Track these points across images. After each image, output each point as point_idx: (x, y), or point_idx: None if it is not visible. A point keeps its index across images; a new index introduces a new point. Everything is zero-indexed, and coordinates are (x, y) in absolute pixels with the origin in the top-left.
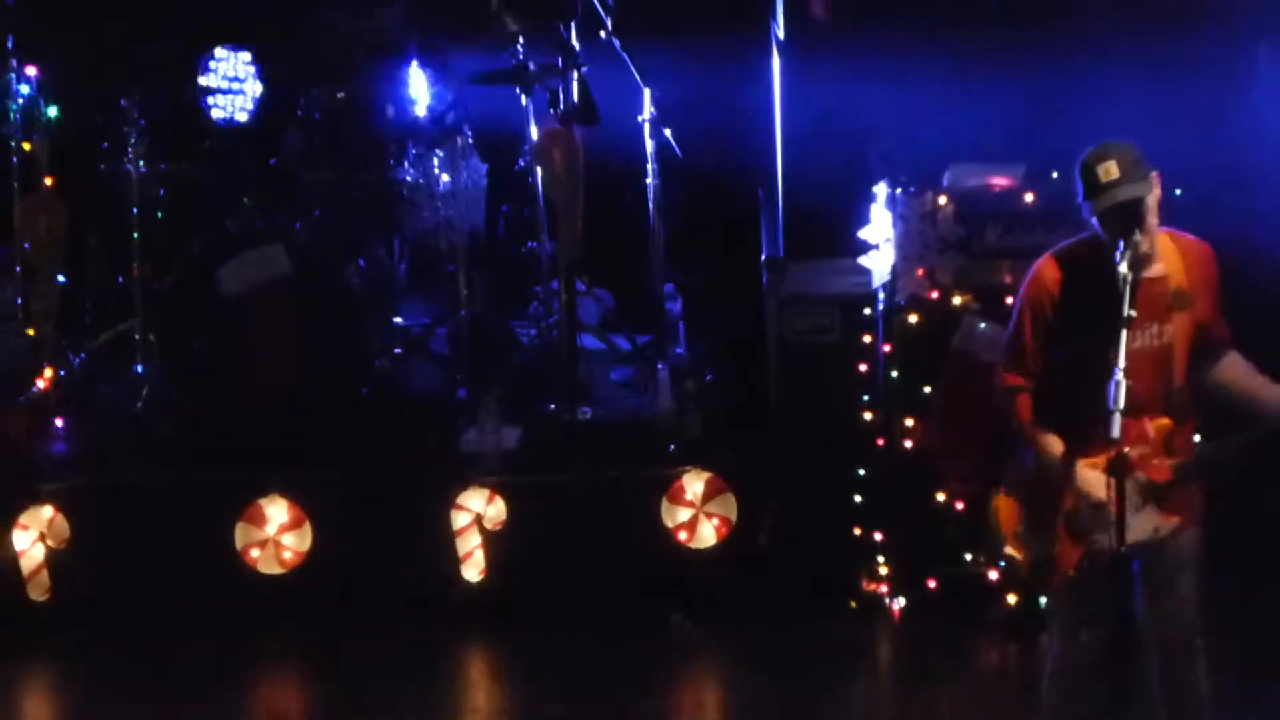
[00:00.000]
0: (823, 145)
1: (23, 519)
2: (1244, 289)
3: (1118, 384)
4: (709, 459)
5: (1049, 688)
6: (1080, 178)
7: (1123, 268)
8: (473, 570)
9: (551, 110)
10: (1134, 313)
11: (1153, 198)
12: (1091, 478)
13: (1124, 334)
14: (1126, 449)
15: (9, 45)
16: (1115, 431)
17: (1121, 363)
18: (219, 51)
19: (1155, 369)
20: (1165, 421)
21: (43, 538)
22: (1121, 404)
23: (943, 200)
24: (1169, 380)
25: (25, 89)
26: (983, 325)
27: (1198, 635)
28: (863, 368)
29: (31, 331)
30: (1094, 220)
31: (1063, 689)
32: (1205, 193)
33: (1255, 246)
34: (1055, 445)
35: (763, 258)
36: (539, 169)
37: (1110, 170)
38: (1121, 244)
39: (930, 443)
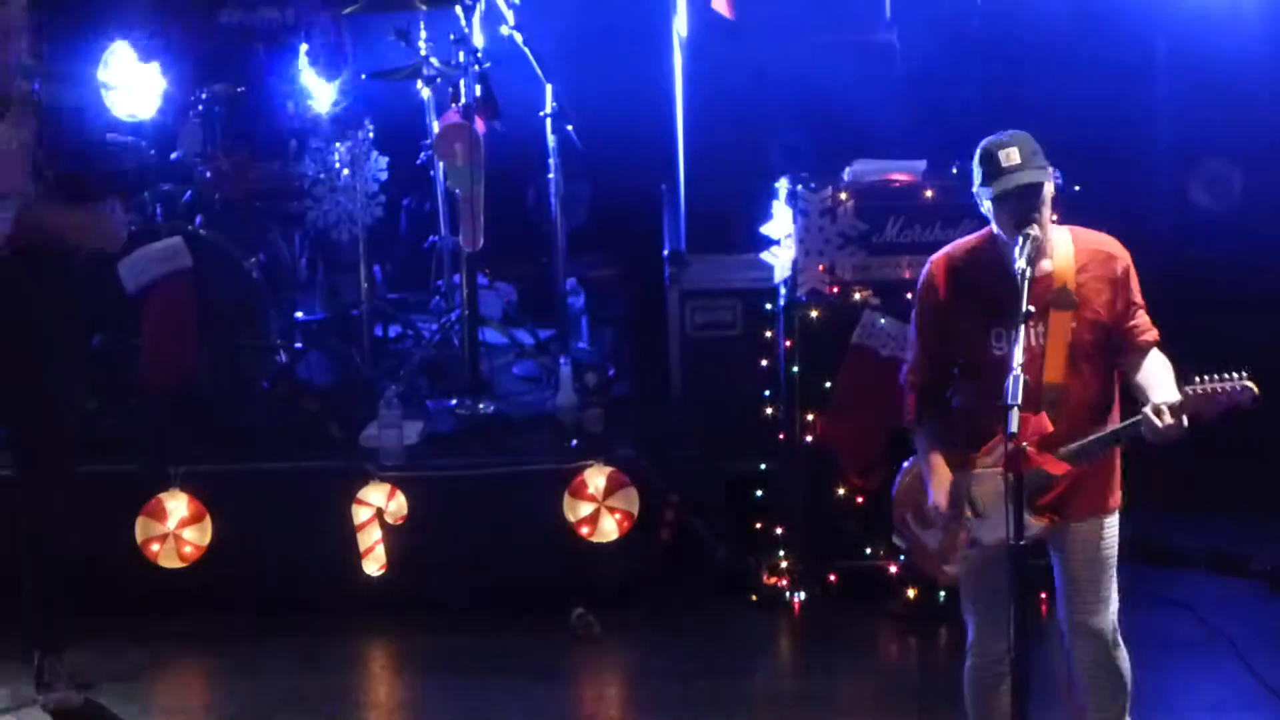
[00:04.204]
0: (725, 140)
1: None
2: None
3: (1015, 379)
4: (611, 454)
5: (966, 680)
6: (980, 164)
7: (1020, 262)
8: (374, 565)
9: (453, 104)
10: (1032, 308)
11: (1048, 191)
12: (939, 486)
13: (1021, 329)
14: (1024, 443)
15: None
16: (1013, 426)
17: (1019, 357)
18: (119, 45)
19: (1031, 367)
20: (1047, 424)
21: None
22: (1019, 399)
23: (843, 195)
24: (1039, 380)
25: None
26: (882, 320)
27: (1112, 614)
28: (764, 362)
29: None
30: (990, 208)
31: (976, 680)
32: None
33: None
34: (927, 444)
35: (665, 252)
36: (440, 163)
37: (1011, 155)
38: (1020, 239)
39: (830, 437)
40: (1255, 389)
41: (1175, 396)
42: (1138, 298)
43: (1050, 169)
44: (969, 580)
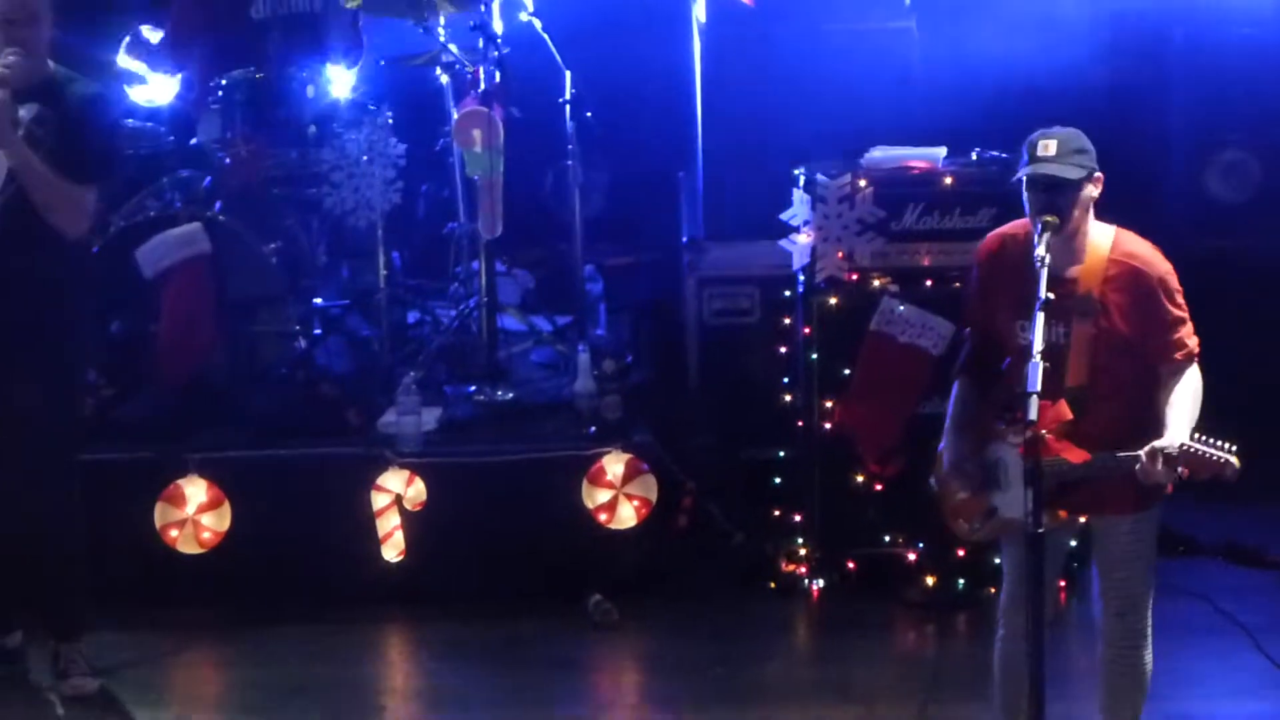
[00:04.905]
0: (743, 126)
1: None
2: None
3: (1034, 366)
4: (629, 440)
5: (994, 653)
6: (1023, 151)
7: (1040, 249)
8: (392, 551)
9: (471, 91)
10: (1050, 295)
11: (1085, 191)
12: (950, 448)
13: (1040, 317)
14: (1043, 431)
15: None
16: (1032, 413)
17: (1039, 345)
18: (140, 32)
19: (1054, 365)
20: (1067, 412)
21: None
22: (1038, 386)
23: (862, 182)
24: (1061, 380)
25: None
26: (901, 307)
27: (1141, 615)
28: (782, 349)
29: None
30: (1023, 196)
31: (1002, 653)
32: None
33: None
34: (954, 403)
35: (683, 239)
36: (459, 149)
37: (1049, 147)
38: (1040, 225)
39: (849, 423)
40: (1238, 465)
41: (1176, 443)
42: (1173, 311)
43: (1090, 171)
44: (1007, 547)
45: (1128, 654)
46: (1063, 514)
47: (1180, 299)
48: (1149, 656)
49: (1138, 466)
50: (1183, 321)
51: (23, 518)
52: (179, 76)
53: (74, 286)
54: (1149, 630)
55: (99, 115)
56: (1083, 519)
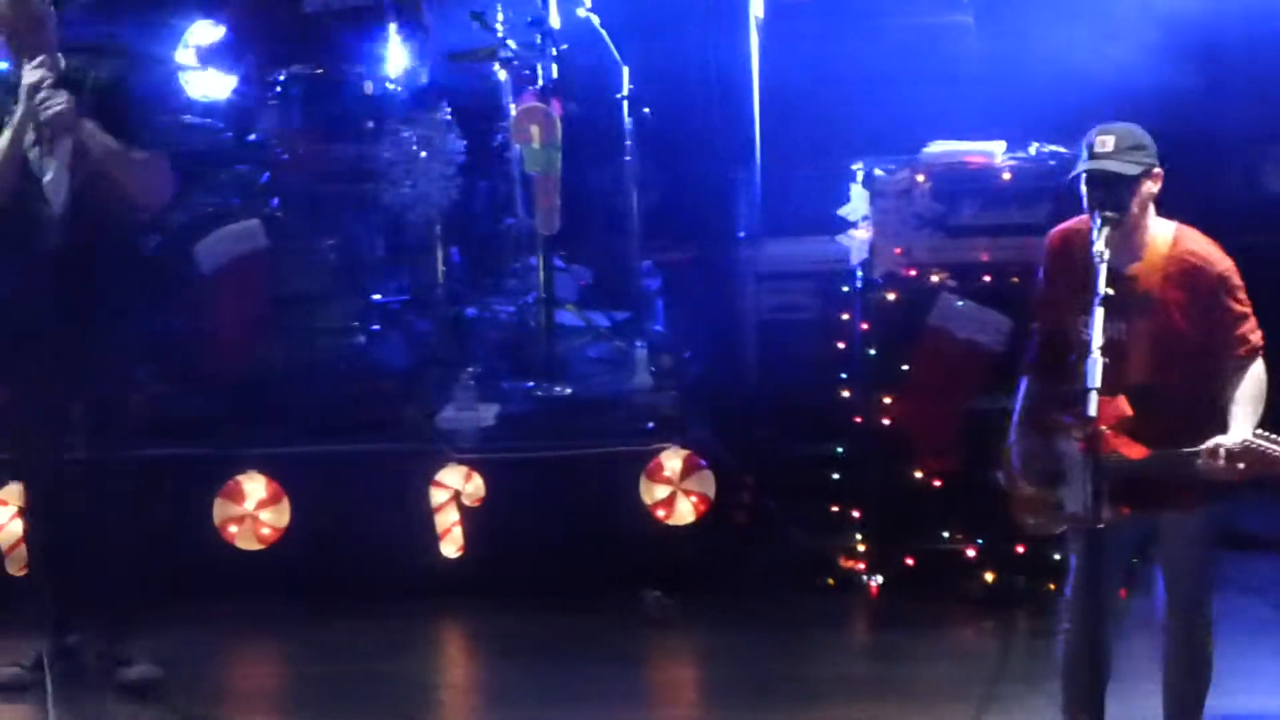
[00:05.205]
0: (800, 122)
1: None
2: None
3: (1093, 362)
4: (687, 436)
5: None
6: (1082, 147)
7: (1098, 245)
8: (451, 547)
9: (529, 86)
10: (1109, 291)
11: (1144, 187)
12: (1023, 466)
13: (1099, 312)
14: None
15: None
16: (1091, 409)
17: (1098, 340)
18: (197, 26)
19: (1116, 362)
20: (1126, 408)
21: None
22: (1098, 382)
23: (919, 177)
24: (1122, 376)
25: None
26: (960, 302)
27: (1203, 611)
28: (840, 345)
29: None
30: (1081, 192)
31: (1065, 644)
32: None
33: None
34: (1021, 398)
35: (740, 234)
36: (517, 144)
37: (1106, 143)
38: (1099, 221)
39: (906, 419)
40: None
41: (1239, 440)
42: (1235, 307)
43: (1148, 167)
44: (1072, 542)
45: (1190, 649)
46: (1125, 511)
47: (1242, 295)
48: (1211, 652)
49: (1199, 462)
50: (1246, 317)
51: (74, 513)
52: (237, 73)
53: (132, 278)
54: (1211, 626)
55: (124, 91)
56: (1148, 515)
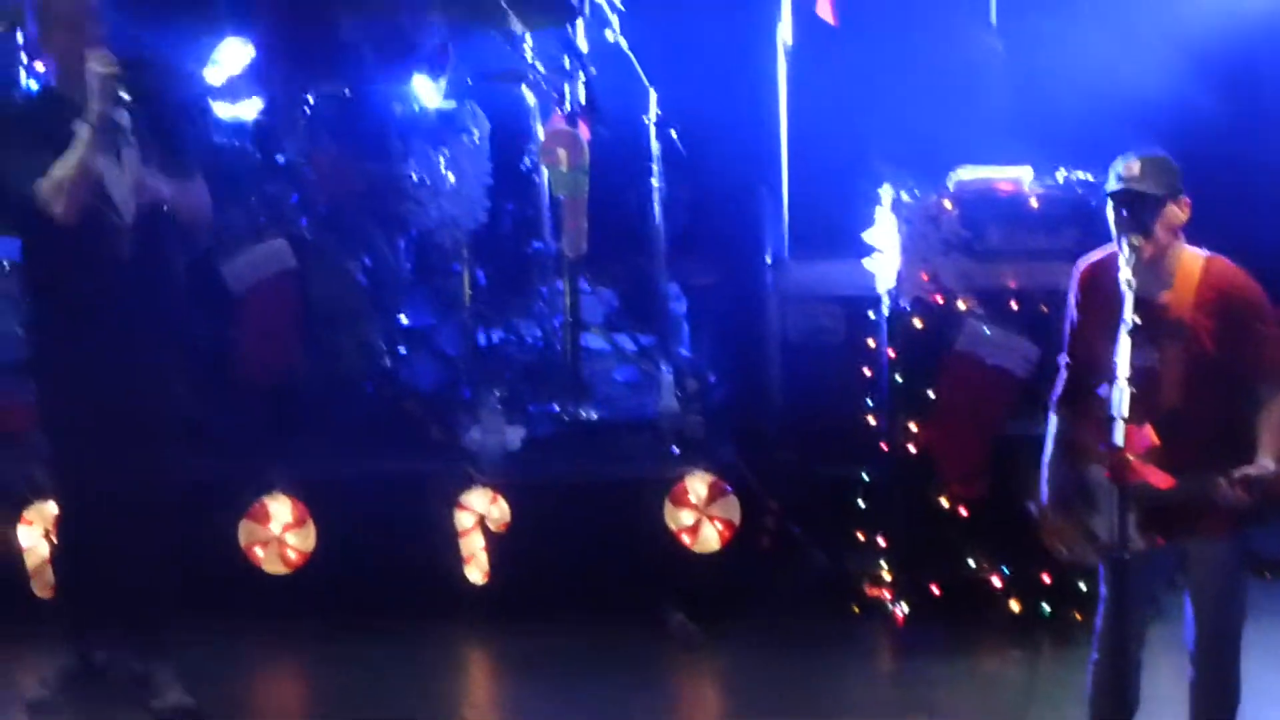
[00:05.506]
0: (827, 146)
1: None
2: None
3: (1120, 391)
4: (712, 460)
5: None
6: (1109, 173)
7: (1125, 272)
8: (476, 573)
9: (558, 109)
10: (1137, 319)
11: (1168, 211)
12: (1055, 499)
13: (1127, 340)
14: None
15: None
16: (1118, 438)
17: (1125, 370)
18: (225, 46)
19: (1150, 391)
20: (1154, 437)
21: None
22: (1125, 411)
23: (947, 203)
24: (1153, 404)
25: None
26: (986, 329)
27: (1232, 640)
28: (866, 370)
29: None
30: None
31: (1093, 673)
32: None
33: None
34: (1053, 433)
35: (767, 258)
36: (544, 168)
37: (1132, 168)
38: (1126, 247)
39: (933, 446)
40: None
41: (1256, 468)
42: (1266, 334)
43: (1175, 192)
44: (1103, 571)
45: (1219, 679)
46: (1159, 541)
47: (1273, 322)
48: (1239, 681)
49: (1225, 491)
50: (1272, 340)
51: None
52: (266, 92)
53: (182, 300)
54: (1239, 655)
55: (161, 110)
56: (1176, 544)
